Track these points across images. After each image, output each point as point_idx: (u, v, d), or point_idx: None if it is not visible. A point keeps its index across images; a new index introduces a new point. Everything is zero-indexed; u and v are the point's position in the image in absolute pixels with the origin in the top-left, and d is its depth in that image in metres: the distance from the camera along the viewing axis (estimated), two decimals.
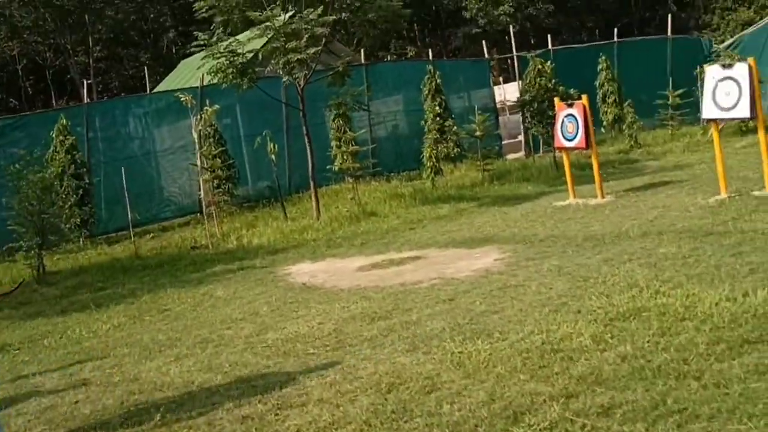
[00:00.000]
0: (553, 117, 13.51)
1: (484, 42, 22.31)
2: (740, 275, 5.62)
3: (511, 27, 25.57)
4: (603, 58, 20.72)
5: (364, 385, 4.64)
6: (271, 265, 10.55)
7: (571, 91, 15.79)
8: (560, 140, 11.88)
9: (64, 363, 6.51)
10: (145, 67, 23.00)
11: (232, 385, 5.08)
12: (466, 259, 8.69)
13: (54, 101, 35.34)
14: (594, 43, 25.70)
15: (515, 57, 21.66)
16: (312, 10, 12.26)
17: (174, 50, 40.49)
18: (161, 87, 25.97)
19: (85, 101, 18.83)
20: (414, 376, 4.64)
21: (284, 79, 13.55)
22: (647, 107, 19.63)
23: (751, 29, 23.04)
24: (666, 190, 11.20)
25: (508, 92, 25.66)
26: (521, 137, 22.89)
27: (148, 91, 22.58)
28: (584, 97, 11.81)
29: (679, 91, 18.71)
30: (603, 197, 11.38)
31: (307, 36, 12.21)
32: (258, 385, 4.97)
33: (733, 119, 9.81)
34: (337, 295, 7.70)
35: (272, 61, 13.42)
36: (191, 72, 24.31)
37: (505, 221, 11.13)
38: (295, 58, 12.26)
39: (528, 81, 17.32)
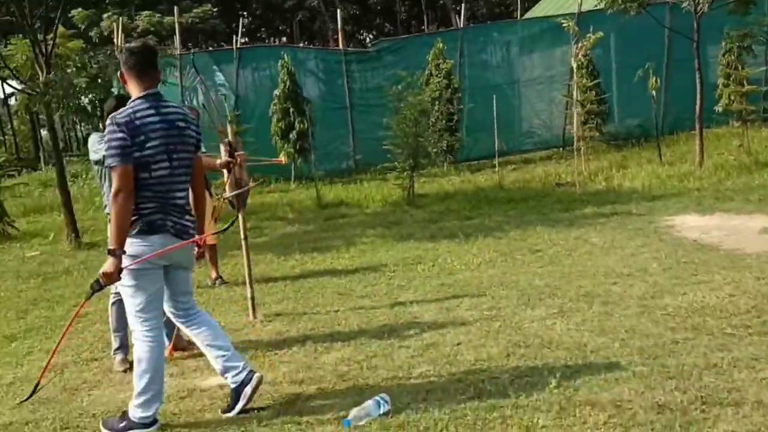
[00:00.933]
0: None
1: None
2: None
3: None
4: None
5: None
6: (648, 213, 9.50)
7: None
8: None
9: (439, 295, 6.27)
10: None
11: (635, 359, 4.31)
12: None
13: (426, 27, 36.56)
14: None
15: None
16: None
17: None
18: (530, 14, 25.29)
19: (459, 26, 18.78)
20: None
21: (684, 4, 11.97)
22: None
23: None
24: None
25: None
26: None
27: (518, 18, 22.05)
28: None
29: None
30: None
31: None
32: (669, 366, 4.14)
33: None
34: (743, 261, 6.50)
35: None
36: None
37: None
38: None
39: None
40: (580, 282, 6.26)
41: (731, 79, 15.50)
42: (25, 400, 4.37)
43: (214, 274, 7.57)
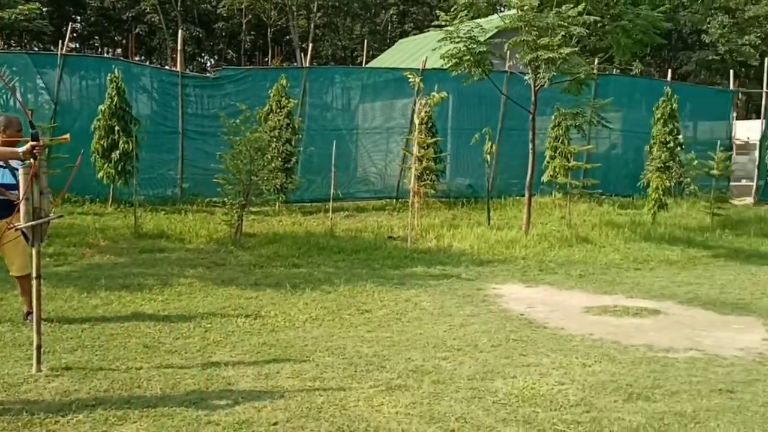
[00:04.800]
0: None
1: (732, 72, 20.00)
2: None
3: (760, 58, 23.02)
4: None
5: None
6: (477, 278, 9.50)
7: None
8: None
9: (259, 357, 5.72)
10: (365, 41, 22.50)
11: None
12: (722, 328, 7.20)
13: (270, 60, 36.09)
14: None
15: (765, 93, 19.32)
16: (572, 6, 10.97)
17: (390, 28, 40.23)
18: (375, 63, 25.56)
19: (304, 64, 18.50)
20: None
21: (526, 77, 12.28)
22: None
23: None
24: None
25: (738, 130, 23.19)
26: (746, 181, 20.76)
27: (363, 65, 22.16)
28: None
29: None
30: None
31: (562, 34, 10.92)
32: None
33: None
34: (569, 343, 6.47)
35: (516, 56, 12.23)
36: (409, 53, 23.69)
37: (756, 285, 9.47)
38: (545, 56, 11.00)
39: None
40: (410, 353, 5.94)
41: (558, 152, 16.27)
42: None
43: (26, 309, 6.53)
